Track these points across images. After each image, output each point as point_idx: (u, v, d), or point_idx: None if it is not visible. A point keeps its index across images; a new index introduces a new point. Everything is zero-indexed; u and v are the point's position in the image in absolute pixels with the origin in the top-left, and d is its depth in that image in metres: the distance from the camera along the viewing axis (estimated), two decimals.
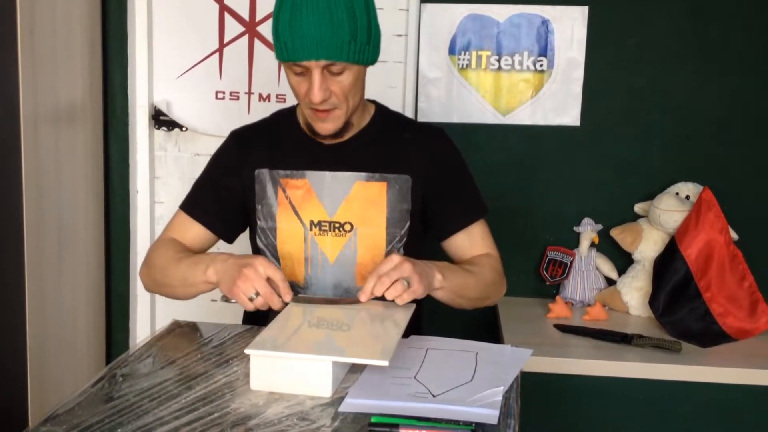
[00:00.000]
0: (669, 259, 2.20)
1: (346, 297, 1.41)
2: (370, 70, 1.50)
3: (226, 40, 2.45)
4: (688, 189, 2.32)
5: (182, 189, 1.65)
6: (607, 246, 2.42)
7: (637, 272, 2.34)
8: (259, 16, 2.44)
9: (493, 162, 2.41)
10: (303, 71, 1.40)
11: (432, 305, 1.54)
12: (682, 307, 2.16)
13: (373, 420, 1.03)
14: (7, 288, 1.97)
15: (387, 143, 1.57)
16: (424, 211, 1.58)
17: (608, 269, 2.41)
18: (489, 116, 2.43)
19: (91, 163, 2.39)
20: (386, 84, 2.41)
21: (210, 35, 2.45)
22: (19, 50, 1.89)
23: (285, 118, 1.62)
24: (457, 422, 1.03)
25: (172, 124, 2.49)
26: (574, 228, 2.43)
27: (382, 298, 1.33)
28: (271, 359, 1.14)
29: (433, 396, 1.11)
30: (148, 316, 2.55)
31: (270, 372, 1.14)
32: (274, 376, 1.13)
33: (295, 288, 1.57)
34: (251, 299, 1.33)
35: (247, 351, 1.14)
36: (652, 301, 2.20)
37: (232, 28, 2.44)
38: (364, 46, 1.40)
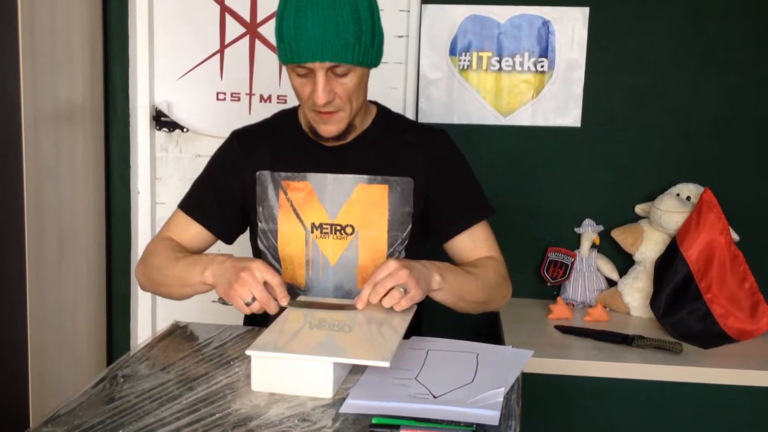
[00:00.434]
0: (670, 260, 2.20)
1: (344, 300, 1.40)
2: (371, 71, 1.49)
3: (227, 41, 2.45)
4: (689, 190, 2.32)
5: (183, 190, 1.65)
6: (608, 247, 2.42)
7: (638, 273, 2.34)
8: (260, 17, 2.44)
9: (493, 163, 2.41)
10: (306, 73, 1.40)
11: (432, 306, 1.53)
12: (682, 308, 2.16)
13: (374, 421, 1.03)
14: (8, 288, 1.97)
15: (389, 145, 1.56)
16: (427, 213, 1.57)
17: (609, 270, 2.41)
18: (490, 117, 2.43)
19: (92, 163, 2.39)
20: (387, 85, 2.41)
21: (211, 36, 2.45)
22: (20, 51, 1.89)
23: (286, 119, 1.61)
24: (458, 423, 1.03)
25: (173, 125, 2.49)
26: (575, 229, 2.43)
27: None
28: (272, 360, 1.14)
29: (434, 397, 1.11)
30: (149, 316, 2.55)
31: (271, 373, 1.14)
32: (275, 377, 1.13)
33: (296, 290, 1.57)
34: (248, 304, 1.31)
35: (248, 352, 1.14)
36: (653, 302, 2.20)
37: (233, 29, 2.45)
38: (368, 48, 1.40)
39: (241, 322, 1.64)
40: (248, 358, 1.16)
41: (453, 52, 2.41)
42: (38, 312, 2.04)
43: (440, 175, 1.56)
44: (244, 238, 1.66)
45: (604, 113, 2.40)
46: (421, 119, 2.41)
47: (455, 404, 1.08)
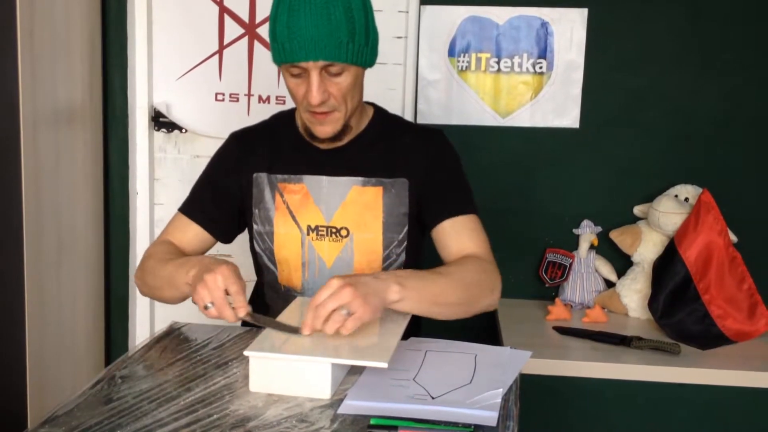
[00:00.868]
0: (668, 262, 2.20)
1: (292, 324, 1.26)
2: (369, 72, 1.49)
3: (225, 41, 2.45)
4: (687, 191, 2.32)
5: (182, 191, 1.64)
6: (607, 248, 2.42)
7: (637, 274, 2.34)
8: (258, 18, 2.44)
9: (492, 164, 2.41)
10: (301, 73, 1.40)
11: None
12: (681, 310, 2.16)
13: (372, 422, 1.03)
14: (6, 289, 1.97)
15: (385, 147, 1.56)
16: (421, 211, 1.57)
17: (607, 271, 2.41)
18: (488, 118, 2.43)
19: (91, 164, 2.39)
20: (386, 86, 2.41)
21: (210, 37, 2.45)
22: (19, 51, 1.89)
23: (284, 121, 1.61)
24: (456, 424, 1.03)
25: (171, 126, 2.49)
26: (574, 230, 2.43)
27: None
28: (270, 361, 1.14)
29: (432, 398, 1.11)
30: (148, 317, 2.54)
31: (269, 374, 1.14)
32: (273, 378, 1.13)
33: (293, 293, 1.57)
34: (206, 308, 1.27)
35: (246, 353, 1.14)
36: (652, 304, 2.20)
37: (232, 29, 2.45)
38: (362, 47, 1.40)
39: (238, 323, 1.64)
40: (246, 358, 1.16)
41: (452, 53, 2.41)
42: (36, 312, 2.04)
43: (432, 171, 1.55)
44: (245, 239, 1.66)
45: (603, 114, 2.41)
46: (420, 120, 2.42)
47: (453, 405, 1.08)
